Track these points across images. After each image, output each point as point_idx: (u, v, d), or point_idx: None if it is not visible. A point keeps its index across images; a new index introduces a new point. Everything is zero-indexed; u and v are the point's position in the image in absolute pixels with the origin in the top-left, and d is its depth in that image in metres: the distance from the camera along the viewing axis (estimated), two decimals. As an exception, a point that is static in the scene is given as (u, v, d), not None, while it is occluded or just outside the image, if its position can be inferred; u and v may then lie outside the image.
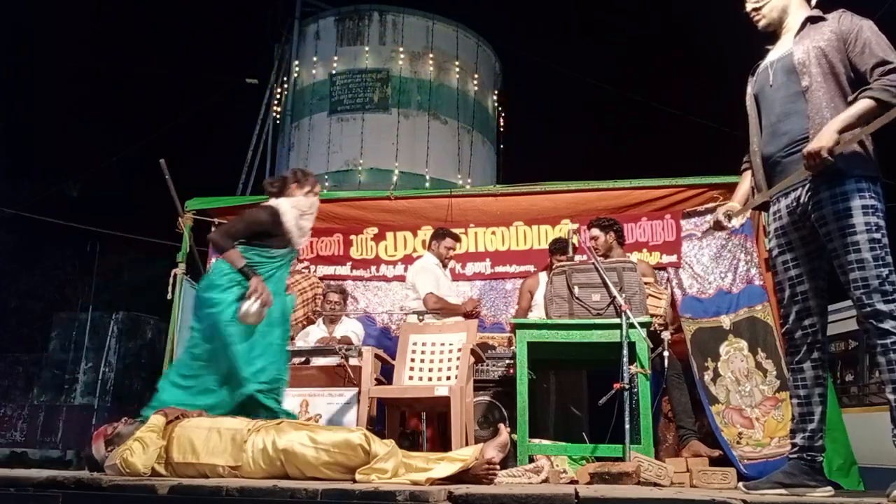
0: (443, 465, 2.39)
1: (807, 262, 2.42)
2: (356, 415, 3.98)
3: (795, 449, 2.43)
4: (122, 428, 2.68)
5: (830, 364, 3.39)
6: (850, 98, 2.27)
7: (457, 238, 4.96)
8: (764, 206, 2.58)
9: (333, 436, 2.47)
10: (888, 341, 2.15)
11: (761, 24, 2.57)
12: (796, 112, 2.38)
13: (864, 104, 2.19)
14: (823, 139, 2.17)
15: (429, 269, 4.78)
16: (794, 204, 2.39)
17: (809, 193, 2.33)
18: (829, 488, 2.37)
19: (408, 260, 5.43)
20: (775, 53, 2.54)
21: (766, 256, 3.67)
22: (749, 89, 2.63)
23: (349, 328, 4.82)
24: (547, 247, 5.03)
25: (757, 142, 2.56)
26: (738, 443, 4.20)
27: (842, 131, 2.19)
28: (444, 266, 4.89)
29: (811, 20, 2.45)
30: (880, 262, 2.18)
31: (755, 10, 2.56)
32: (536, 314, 4.56)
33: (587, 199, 5.30)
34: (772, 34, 2.61)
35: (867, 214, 2.21)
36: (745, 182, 2.70)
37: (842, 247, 2.22)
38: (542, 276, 4.91)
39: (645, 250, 5.10)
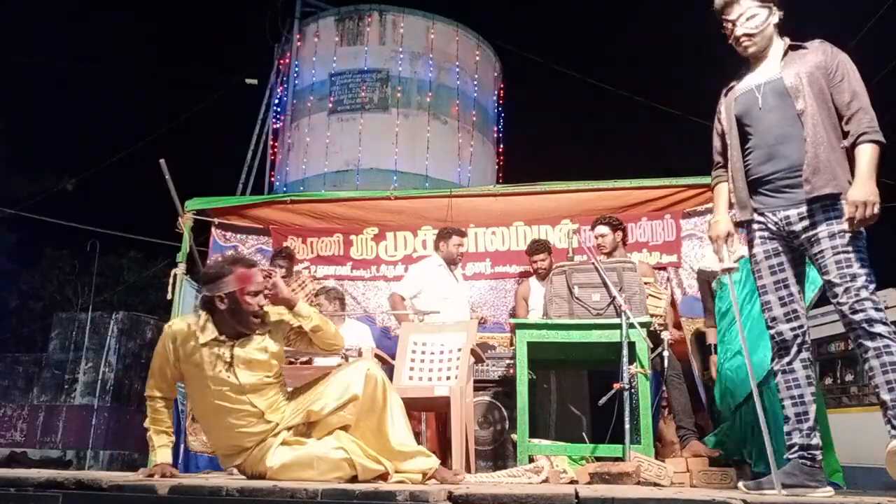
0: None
1: (790, 268, 2.54)
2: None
3: (795, 448, 2.46)
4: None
5: (830, 364, 3.41)
6: (846, 141, 2.43)
7: (462, 234, 4.95)
8: (743, 223, 2.64)
9: (318, 462, 2.46)
10: (881, 344, 2.30)
11: (751, 50, 2.61)
12: (794, 136, 2.48)
13: (872, 150, 2.38)
14: (872, 194, 2.32)
15: (416, 274, 4.86)
16: (784, 221, 2.50)
17: (801, 214, 2.45)
18: (830, 489, 2.38)
19: (408, 260, 5.44)
20: (759, 77, 2.61)
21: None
22: (724, 109, 2.69)
23: (353, 332, 4.77)
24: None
25: (738, 159, 2.62)
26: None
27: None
28: (455, 265, 4.90)
29: (792, 48, 2.58)
30: (867, 275, 2.36)
31: (748, 36, 2.58)
32: (533, 318, 4.55)
33: (587, 199, 5.31)
34: (744, 58, 2.67)
35: (857, 232, 2.38)
36: (723, 197, 2.72)
37: (834, 262, 2.37)
38: (533, 281, 4.93)
39: (645, 250, 5.10)
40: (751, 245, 2.62)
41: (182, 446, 4.52)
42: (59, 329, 10.33)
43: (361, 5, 12.79)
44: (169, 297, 5.31)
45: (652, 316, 3.76)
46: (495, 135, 13.78)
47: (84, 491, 2.03)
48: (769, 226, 2.54)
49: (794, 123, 2.49)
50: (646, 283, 3.91)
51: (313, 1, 13.33)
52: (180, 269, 5.35)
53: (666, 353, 4.08)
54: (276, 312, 2.67)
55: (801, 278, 2.56)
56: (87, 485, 2.05)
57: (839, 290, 2.35)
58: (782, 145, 2.50)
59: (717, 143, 2.77)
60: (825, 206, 2.40)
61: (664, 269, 5.05)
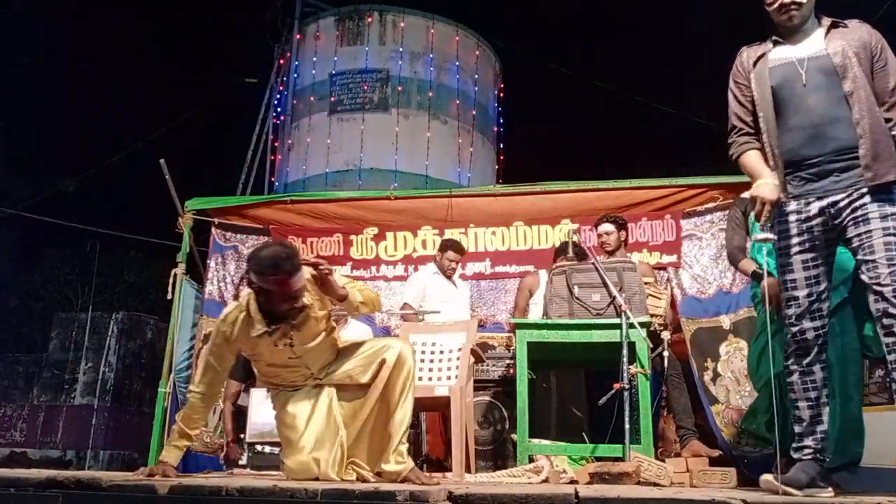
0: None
1: (824, 264, 2.44)
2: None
3: (809, 451, 2.40)
4: None
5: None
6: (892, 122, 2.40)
7: (459, 250, 4.93)
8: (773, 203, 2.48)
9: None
10: None
11: (796, 20, 2.49)
12: (843, 118, 2.39)
13: None
14: None
15: (417, 280, 4.94)
16: (831, 205, 2.39)
17: (851, 198, 2.35)
18: (830, 490, 2.37)
19: (408, 260, 5.44)
20: (800, 51, 2.49)
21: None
22: (754, 77, 2.53)
23: (354, 332, 4.78)
24: (547, 247, 5.02)
25: (774, 136, 2.49)
26: (738, 443, 4.20)
27: None
28: (448, 277, 4.90)
29: (834, 25, 2.49)
30: None
31: (798, 5, 2.46)
32: (535, 313, 4.54)
33: (587, 199, 5.30)
34: (774, 27, 2.55)
35: None
36: (759, 160, 2.51)
37: (882, 244, 2.28)
38: (543, 275, 4.89)
39: (645, 250, 5.10)
40: (782, 234, 2.47)
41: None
42: (59, 329, 10.33)
43: (361, 5, 12.79)
44: (169, 297, 5.31)
45: (652, 316, 3.76)
46: (495, 135, 13.78)
47: (84, 491, 2.04)
48: (813, 215, 2.41)
49: (840, 104, 2.39)
50: (646, 283, 3.91)
51: (313, 1, 13.32)
52: (180, 269, 5.34)
53: (666, 353, 4.08)
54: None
55: (829, 276, 2.45)
56: (87, 485, 2.05)
57: (884, 270, 2.25)
58: (830, 126, 2.39)
59: (738, 109, 2.58)
60: (879, 190, 2.32)
61: (664, 269, 5.04)
